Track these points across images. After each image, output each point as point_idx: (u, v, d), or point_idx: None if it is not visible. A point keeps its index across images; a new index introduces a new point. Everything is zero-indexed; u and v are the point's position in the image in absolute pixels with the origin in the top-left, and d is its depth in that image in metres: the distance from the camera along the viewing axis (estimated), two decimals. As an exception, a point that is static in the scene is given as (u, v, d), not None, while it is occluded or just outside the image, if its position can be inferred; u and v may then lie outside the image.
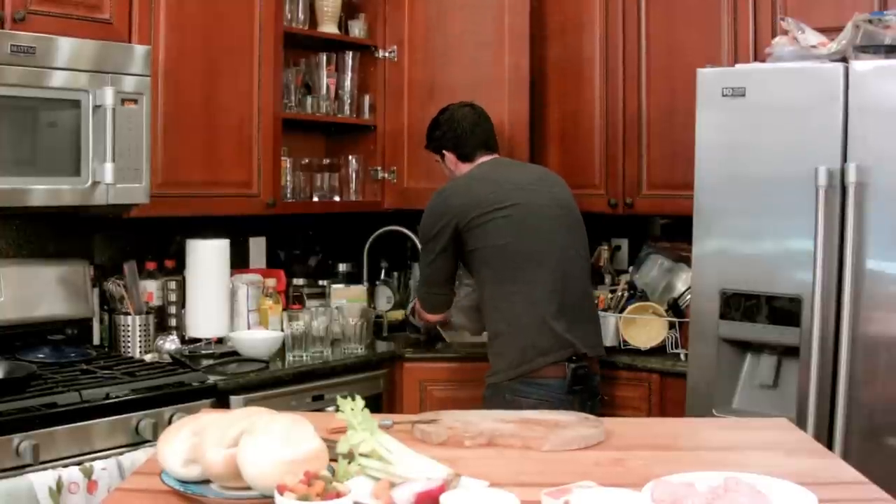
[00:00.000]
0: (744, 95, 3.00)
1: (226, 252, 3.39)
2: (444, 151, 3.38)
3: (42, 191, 2.79)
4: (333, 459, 1.65)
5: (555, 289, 3.09)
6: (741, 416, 2.89)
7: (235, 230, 3.65)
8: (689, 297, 3.42)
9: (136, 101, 2.96)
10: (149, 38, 3.08)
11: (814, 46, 3.02)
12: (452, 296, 3.33)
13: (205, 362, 3.21)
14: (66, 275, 3.18)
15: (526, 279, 3.07)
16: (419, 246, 3.38)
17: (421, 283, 3.37)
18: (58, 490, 2.38)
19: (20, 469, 2.39)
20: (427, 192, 3.35)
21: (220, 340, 3.41)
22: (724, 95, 3.03)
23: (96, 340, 3.32)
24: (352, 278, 4.08)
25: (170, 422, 2.66)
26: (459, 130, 3.33)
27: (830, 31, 3.04)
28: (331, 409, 2.97)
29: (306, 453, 1.56)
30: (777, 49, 3.10)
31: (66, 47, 2.79)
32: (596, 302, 3.52)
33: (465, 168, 3.33)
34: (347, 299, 3.83)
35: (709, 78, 3.08)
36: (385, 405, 3.48)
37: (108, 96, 2.85)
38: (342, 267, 4.13)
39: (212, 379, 2.95)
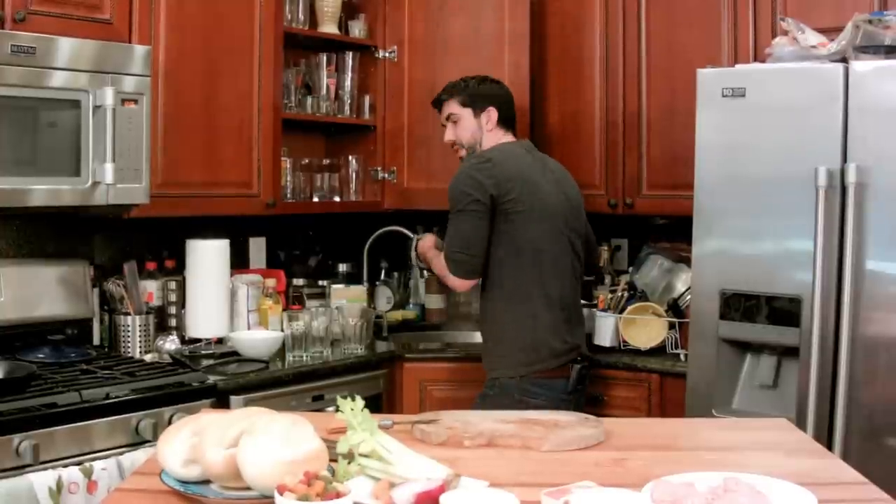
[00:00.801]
0: (744, 96, 3.00)
1: (226, 252, 3.39)
2: (489, 108, 3.24)
3: (42, 191, 2.79)
4: (333, 459, 1.65)
5: (565, 290, 3.12)
6: (741, 417, 2.89)
7: (235, 230, 3.65)
8: (689, 297, 3.42)
9: (136, 102, 2.96)
10: (149, 39, 3.08)
11: (814, 47, 3.02)
12: (483, 262, 3.10)
13: (205, 362, 3.21)
14: (66, 275, 3.17)
15: (543, 279, 3.08)
16: (455, 209, 3.09)
17: (456, 247, 3.07)
18: (58, 490, 2.38)
19: (20, 469, 2.39)
20: (427, 192, 3.34)
21: (220, 340, 3.41)
22: (724, 96, 3.03)
23: (96, 340, 3.32)
24: (352, 278, 4.08)
25: (170, 422, 2.66)
26: (509, 97, 3.31)
27: (830, 32, 3.04)
28: (331, 409, 2.97)
29: (306, 453, 1.56)
30: (777, 49, 3.10)
31: (66, 47, 2.78)
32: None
33: (496, 134, 3.24)
34: (347, 299, 3.83)
35: (709, 78, 3.08)
36: (385, 405, 3.48)
37: (109, 96, 2.85)
38: (342, 267, 4.14)
39: (212, 379, 2.95)
